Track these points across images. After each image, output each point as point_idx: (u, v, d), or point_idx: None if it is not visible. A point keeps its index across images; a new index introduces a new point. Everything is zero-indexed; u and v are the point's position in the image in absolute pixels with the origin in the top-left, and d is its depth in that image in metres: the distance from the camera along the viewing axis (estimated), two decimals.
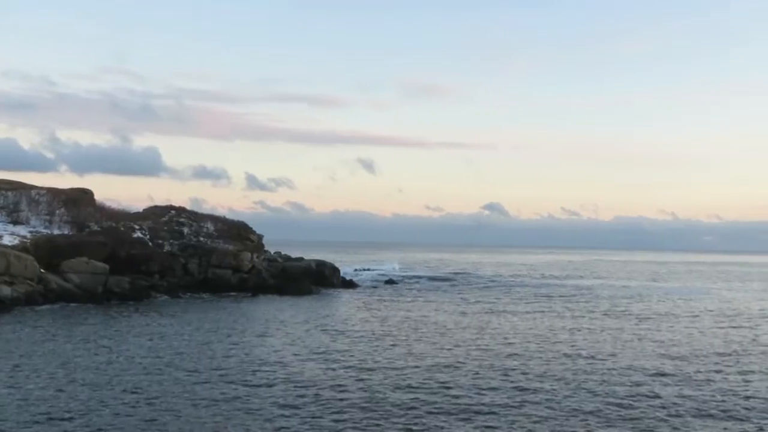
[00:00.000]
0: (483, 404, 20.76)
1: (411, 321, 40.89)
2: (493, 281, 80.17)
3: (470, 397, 21.64)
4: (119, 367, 25.06)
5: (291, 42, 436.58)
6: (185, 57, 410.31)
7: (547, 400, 21.45)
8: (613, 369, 26.66)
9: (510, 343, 32.52)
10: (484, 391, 22.37)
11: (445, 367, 26.35)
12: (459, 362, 27.36)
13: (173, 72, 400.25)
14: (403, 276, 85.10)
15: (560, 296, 60.89)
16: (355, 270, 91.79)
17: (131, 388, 21.86)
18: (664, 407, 20.80)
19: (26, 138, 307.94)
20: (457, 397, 21.60)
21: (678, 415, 19.94)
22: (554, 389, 22.89)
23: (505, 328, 38.20)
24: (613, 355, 29.94)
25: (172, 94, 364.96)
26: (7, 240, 49.95)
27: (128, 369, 24.70)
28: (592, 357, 29.26)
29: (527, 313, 46.87)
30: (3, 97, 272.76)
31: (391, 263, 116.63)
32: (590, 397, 21.95)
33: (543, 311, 48.01)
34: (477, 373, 25.25)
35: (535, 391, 22.62)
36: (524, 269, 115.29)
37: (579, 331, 37.83)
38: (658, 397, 22.12)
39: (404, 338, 33.69)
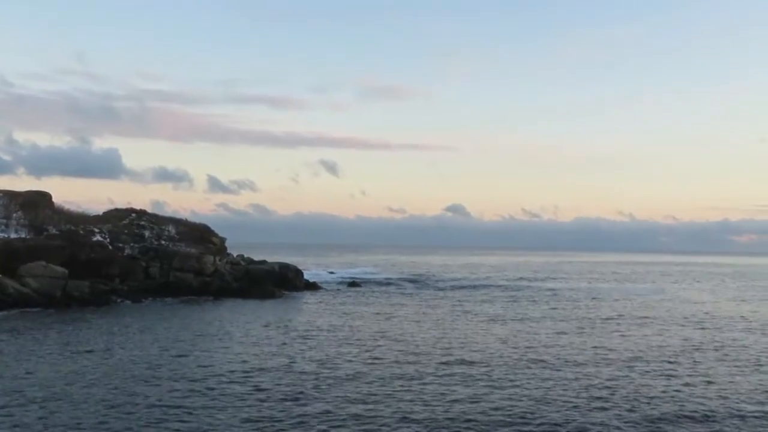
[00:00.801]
0: (444, 411, 20.97)
1: (373, 324, 41.01)
2: (456, 283, 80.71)
3: (433, 398, 21.85)
4: (74, 374, 24.69)
5: (247, 43, 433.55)
6: (144, 58, 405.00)
7: (507, 407, 21.76)
8: (577, 373, 27.12)
9: (473, 349, 32.82)
10: (445, 397, 22.60)
11: (407, 373, 26.47)
12: (421, 368, 27.49)
13: (133, 73, 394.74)
14: (367, 278, 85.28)
15: (526, 299, 61.35)
16: (330, 273, 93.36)
17: (85, 396, 21.58)
18: (622, 410, 21.28)
19: None
20: (420, 399, 21.80)
21: (632, 420, 20.45)
22: (514, 396, 23.21)
23: (468, 332, 38.56)
24: (576, 358, 30.43)
25: (132, 96, 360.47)
26: None
27: (83, 376, 24.35)
28: (557, 360, 29.71)
29: (490, 315, 47.34)
30: None
31: (363, 266, 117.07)
32: (551, 402, 22.33)
33: (506, 314, 48.51)
34: (437, 377, 25.46)
35: (496, 399, 22.92)
36: (488, 271, 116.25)
37: (539, 334, 38.35)
38: (612, 401, 22.60)
39: (366, 342, 33.78)
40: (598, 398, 22.41)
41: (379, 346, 32.44)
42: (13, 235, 54.11)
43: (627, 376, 26.21)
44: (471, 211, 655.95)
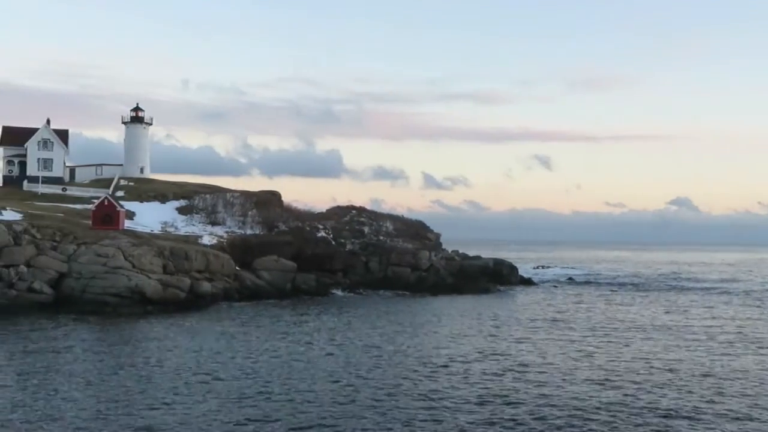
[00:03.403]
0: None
1: (590, 324, 39.11)
2: (686, 284, 74.74)
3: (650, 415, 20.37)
4: (303, 361, 26.26)
5: (449, 40, 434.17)
6: (357, 62, 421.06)
7: None
8: None
9: (706, 366, 30.11)
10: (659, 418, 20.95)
11: (618, 378, 24.91)
12: (641, 378, 25.54)
13: (349, 77, 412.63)
14: (586, 275, 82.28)
15: None
16: (536, 268, 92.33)
17: (313, 376, 22.82)
18: None
19: (221, 145, 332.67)
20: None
21: None
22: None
23: (703, 348, 35.53)
24: None
25: (349, 99, 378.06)
26: (207, 240, 54.16)
27: (313, 362, 25.80)
28: None
29: (729, 326, 43.25)
30: (200, 108, 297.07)
31: (581, 263, 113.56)
32: None
33: (755, 326, 43.59)
34: (662, 396, 23.67)
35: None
36: (722, 270, 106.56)
37: None
38: None
39: (581, 343, 32.38)
40: None
41: (595, 348, 30.95)
42: (248, 232, 59.20)
43: None
44: (698, 204, 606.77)
